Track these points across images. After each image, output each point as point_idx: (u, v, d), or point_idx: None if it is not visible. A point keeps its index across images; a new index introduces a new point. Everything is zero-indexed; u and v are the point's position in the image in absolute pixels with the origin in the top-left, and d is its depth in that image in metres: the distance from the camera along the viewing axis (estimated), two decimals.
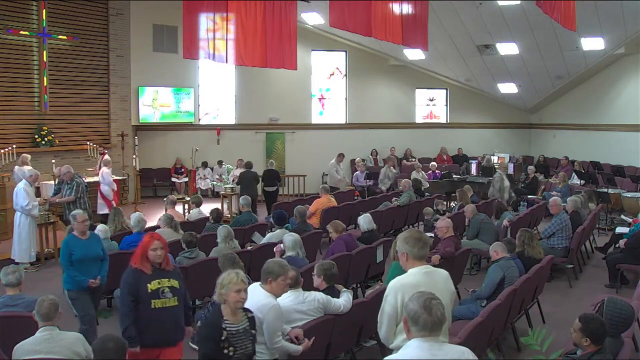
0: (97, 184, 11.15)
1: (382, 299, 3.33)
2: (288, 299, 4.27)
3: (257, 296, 3.83)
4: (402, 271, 5.43)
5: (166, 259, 4.13)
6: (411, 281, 3.28)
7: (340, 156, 13.44)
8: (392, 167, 13.54)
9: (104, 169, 11.31)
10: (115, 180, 11.85)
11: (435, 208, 9.88)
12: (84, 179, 9.59)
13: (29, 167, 10.04)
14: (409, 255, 3.38)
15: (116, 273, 6.27)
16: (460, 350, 2.69)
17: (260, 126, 16.27)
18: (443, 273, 3.50)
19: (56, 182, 9.56)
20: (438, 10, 12.96)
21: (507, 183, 11.24)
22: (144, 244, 4.07)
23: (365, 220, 7.33)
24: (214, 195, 14.53)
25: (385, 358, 2.66)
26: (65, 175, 8.97)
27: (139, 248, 4.11)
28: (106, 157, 11.96)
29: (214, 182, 14.06)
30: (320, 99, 17.25)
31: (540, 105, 17.86)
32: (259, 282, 3.97)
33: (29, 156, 10.73)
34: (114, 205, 11.14)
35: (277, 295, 3.91)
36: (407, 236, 3.44)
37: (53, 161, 10.70)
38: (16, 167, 10.48)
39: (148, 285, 3.99)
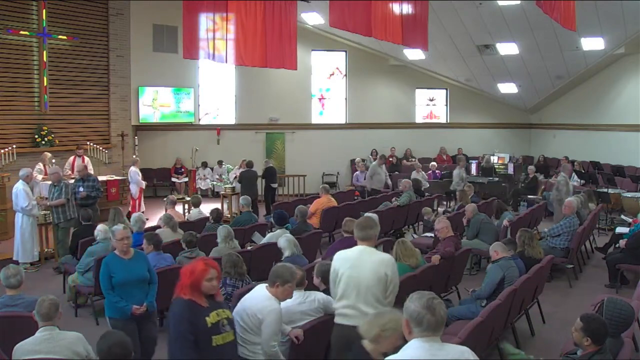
0: (109, 182, 11.58)
1: None
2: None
3: (259, 296, 3.83)
4: (404, 272, 5.48)
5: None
6: (343, 255, 4.06)
7: (382, 158, 12.81)
8: (464, 168, 12.83)
9: (132, 168, 11.74)
10: (114, 181, 11.94)
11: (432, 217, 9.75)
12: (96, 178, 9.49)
13: (38, 166, 10.15)
14: (356, 237, 4.13)
15: None
16: (460, 350, 2.69)
17: (260, 126, 16.27)
18: (380, 256, 4.03)
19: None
20: (438, 10, 12.96)
21: (571, 187, 10.58)
22: (197, 272, 3.36)
23: None
24: (214, 195, 14.54)
25: (386, 359, 2.67)
26: (52, 176, 8.63)
27: (187, 276, 3.38)
28: (135, 157, 12.36)
29: (214, 182, 14.08)
30: (320, 99, 17.25)
31: (540, 105, 17.87)
32: (266, 284, 3.91)
33: (49, 154, 10.81)
34: (138, 203, 11.46)
35: (279, 299, 3.84)
36: (356, 224, 4.22)
37: (53, 161, 10.70)
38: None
39: (207, 318, 3.34)
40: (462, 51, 15.47)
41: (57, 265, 8.35)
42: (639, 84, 13.93)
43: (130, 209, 11.70)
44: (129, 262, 4.70)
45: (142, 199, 12.15)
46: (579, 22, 10.92)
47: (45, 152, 10.91)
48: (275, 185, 12.60)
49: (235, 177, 12.22)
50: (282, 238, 6.04)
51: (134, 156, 13.41)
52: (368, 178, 12.33)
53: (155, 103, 14.72)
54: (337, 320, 3.99)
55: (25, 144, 11.92)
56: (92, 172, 11.87)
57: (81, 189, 8.88)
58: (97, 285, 6.22)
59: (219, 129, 15.84)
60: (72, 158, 11.77)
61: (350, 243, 6.55)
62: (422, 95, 18.05)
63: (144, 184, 12.07)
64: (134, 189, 11.68)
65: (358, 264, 3.94)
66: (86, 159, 12.04)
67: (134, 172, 11.67)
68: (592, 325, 3.47)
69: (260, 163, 13.38)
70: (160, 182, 15.23)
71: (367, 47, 16.47)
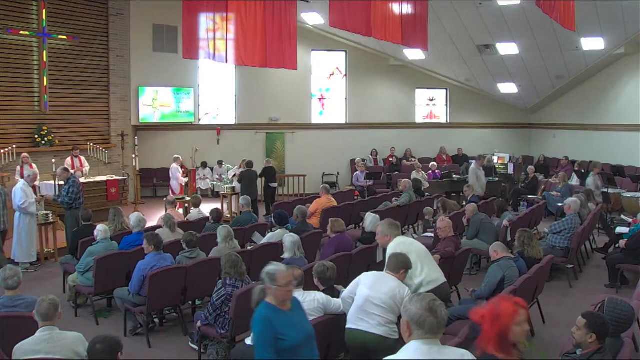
0: (109, 181, 11.76)
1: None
2: None
3: (393, 281, 4.35)
4: None
5: None
6: (401, 239, 5.14)
7: (481, 159, 12.13)
8: (599, 175, 11.03)
9: (174, 165, 12.22)
10: (114, 181, 11.96)
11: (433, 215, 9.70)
12: (77, 179, 9.38)
13: (34, 169, 10.14)
14: (392, 234, 5.19)
15: (116, 274, 6.33)
16: (460, 353, 2.68)
17: (260, 126, 16.27)
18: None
19: (57, 182, 9.57)
20: (438, 10, 12.96)
21: None
22: (505, 317, 2.57)
23: (372, 222, 7.20)
24: (214, 195, 14.53)
25: (385, 358, 2.66)
26: None
27: (491, 323, 2.57)
28: (175, 155, 12.73)
29: (214, 182, 14.08)
30: (320, 99, 17.25)
31: (540, 105, 17.87)
32: (385, 271, 4.44)
33: (26, 155, 10.78)
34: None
35: None
36: (389, 224, 5.25)
37: (53, 161, 10.68)
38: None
39: None
40: (462, 51, 15.47)
41: None
42: (639, 84, 13.92)
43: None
44: (291, 314, 3.48)
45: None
46: (579, 22, 10.92)
47: (24, 154, 10.80)
48: (274, 185, 12.60)
49: (234, 175, 12.25)
50: (288, 237, 6.02)
51: (128, 157, 13.54)
52: (473, 182, 11.44)
53: (155, 103, 14.72)
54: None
55: (25, 144, 11.92)
56: (86, 169, 12.03)
57: (64, 192, 8.75)
58: (97, 285, 6.25)
59: (219, 129, 15.84)
60: (69, 158, 11.79)
61: (340, 241, 6.61)
62: (422, 95, 18.05)
63: (184, 180, 12.34)
64: (174, 185, 12.12)
65: (412, 243, 5.20)
66: (82, 159, 12.12)
67: (175, 168, 12.15)
68: (597, 321, 3.50)
69: (261, 163, 13.38)
70: (160, 182, 15.21)
71: (367, 47, 16.47)
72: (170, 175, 12.36)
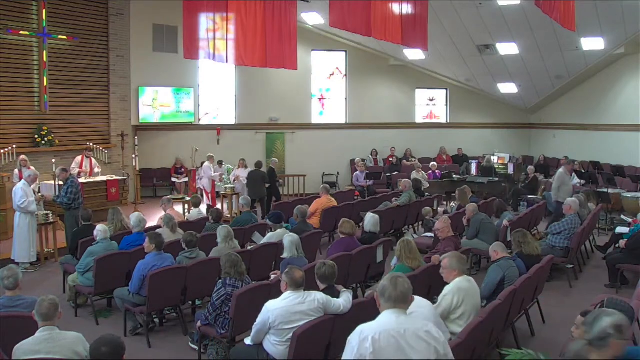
0: (109, 181, 11.75)
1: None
2: (288, 299, 4.27)
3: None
4: (404, 272, 5.58)
5: None
6: (462, 286, 4.67)
7: (571, 164, 11.05)
8: None
9: (206, 163, 12.45)
10: (114, 181, 11.95)
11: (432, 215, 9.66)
12: (76, 179, 9.36)
13: (33, 169, 10.12)
14: (457, 269, 4.76)
15: (116, 274, 6.33)
16: (423, 323, 3.03)
17: (260, 126, 16.27)
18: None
19: (57, 182, 9.57)
20: (438, 10, 12.96)
21: None
22: None
23: (371, 222, 7.21)
24: None
25: (361, 325, 2.95)
26: None
27: None
28: (210, 154, 12.91)
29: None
30: (320, 99, 17.25)
31: (540, 105, 17.87)
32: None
33: (24, 157, 10.76)
34: (212, 197, 12.19)
35: None
36: (458, 259, 4.84)
37: (53, 161, 10.67)
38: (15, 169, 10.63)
39: None
40: (462, 51, 15.47)
41: None
42: (639, 84, 13.93)
43: (210, 203, 12.26)
44: None
45: (215, 193, 12.56)
46: (579, 22, 10.93)
47: (22, 156, 10.78)
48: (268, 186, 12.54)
49: (235, 179, 12.27)
50: (287, 237, 6.02)
51: (128, 157, 13.56)
52: (554, 190, 10.20)
53: (155, 103, 14.71)
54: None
55: (25, 144, 11.92)
56: (96, 171, 12.05)
57: (63, 192, 8.75)
58: (97, 285, 6.25)
59: (219, 129, 15.84)
60: (79, 157, 11.88)
61: (348, 244, 6.61)
62: (422, 95, 18.05)
63: (217, 177, 12.41)
64: (205, 182, 12.26)
65: (471, 290, 4.77)
66: (93, 160, 12.21)
67: (207, 167, 12.26)
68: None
69: (263, 163, 13.36)
70: (160, 182, 15.22)
71: (367, 47, 16.47)
72: (202, 173, 12.46)
